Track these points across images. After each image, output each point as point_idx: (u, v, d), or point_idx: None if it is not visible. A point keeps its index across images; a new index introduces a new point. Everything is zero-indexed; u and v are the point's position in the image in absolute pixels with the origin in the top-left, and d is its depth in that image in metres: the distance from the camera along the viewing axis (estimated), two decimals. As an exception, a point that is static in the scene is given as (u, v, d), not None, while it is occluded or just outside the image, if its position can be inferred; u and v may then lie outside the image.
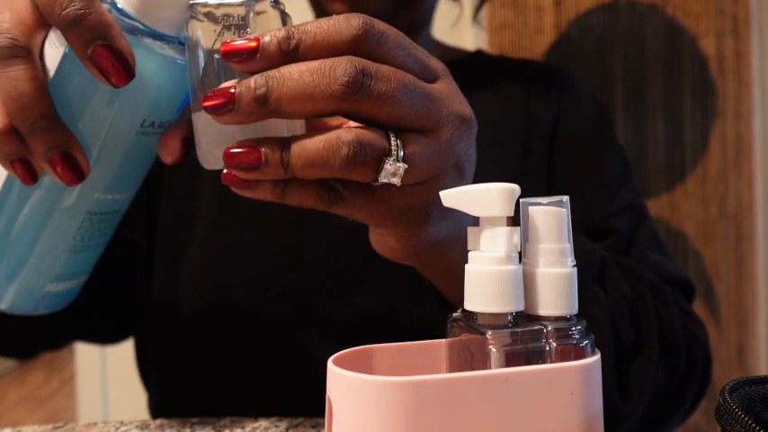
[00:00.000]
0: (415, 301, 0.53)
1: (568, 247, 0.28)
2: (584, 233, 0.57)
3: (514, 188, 0.27)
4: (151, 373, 0.63)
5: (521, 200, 0.28)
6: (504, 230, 0.27)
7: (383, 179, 0.31)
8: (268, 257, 0.57)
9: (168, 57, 0.34)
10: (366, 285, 0.55)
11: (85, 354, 1.54)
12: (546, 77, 0.66)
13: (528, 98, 0.63)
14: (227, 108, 0.30)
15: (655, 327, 0.50)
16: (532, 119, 0.62)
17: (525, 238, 0.28)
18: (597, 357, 0.27)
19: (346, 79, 0.29)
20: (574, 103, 0.64)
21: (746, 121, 1.32)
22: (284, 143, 0.31)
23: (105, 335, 0.66)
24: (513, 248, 0.27)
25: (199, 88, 0.33)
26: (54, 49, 0.33)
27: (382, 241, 0.38)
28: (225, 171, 0.32)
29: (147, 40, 0.34)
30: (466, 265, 0.27)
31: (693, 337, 0.53)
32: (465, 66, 0.66)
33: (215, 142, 0.33)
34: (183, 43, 0.35)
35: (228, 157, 0.31)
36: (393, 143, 0.31)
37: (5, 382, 2.88)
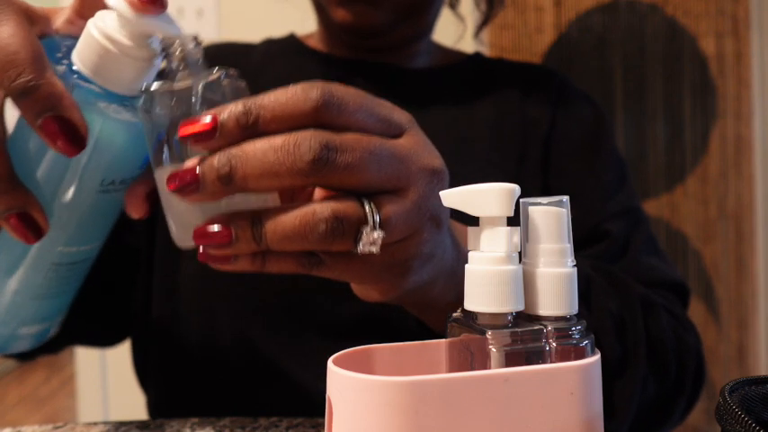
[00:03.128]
0: None
1: (568, 247, 0.28)
2: (579, 236, 0.57)
3: (514, 188, 0.27)
4: (150, 374, 0.63)
5: (521, 200, 0.28)
6: (504, 230, 0.27)
7: (362, 249, 0.31)
8: None
9: (126, 121, 0.34)
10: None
11: (85, 354, 1.54)
12: (543, 81, 0.66)
13: (525, 101, 0.63)
14: (191, 188, 0.30)
15: (642, 341, 0.50)
16: (529, 122, 0.62)
17: (525, 238, 0.28)
18: (597, 357, 0.27)
19: (311, 156, 0.29)
20: (570, 107, 0.64)
21: (746, 121, 1.32)
22: (255, 217, 0.30)
23: (104, 339, 0.66)
24: (513, 248, 0.27)
25: (160, 170, 0.33)
26: (12, 109, 0.33)
27: (365, 292, 0.38)
28: (200, 250, 0.31)
29: (104, 104, 0.33)
30: (466, 266, 0.27)
31: (684, 346, 0.53)
32: (463, 69, 0.66)
33: (185, 221, 0.32)
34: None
35: (199, 236, 0.31)
36: (368, 211, 0.31)
37: (5, 382, 2.88)
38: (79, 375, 1.57)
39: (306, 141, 0.29)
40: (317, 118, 0.30)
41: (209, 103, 0.31)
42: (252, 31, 0.81)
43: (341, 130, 0.31)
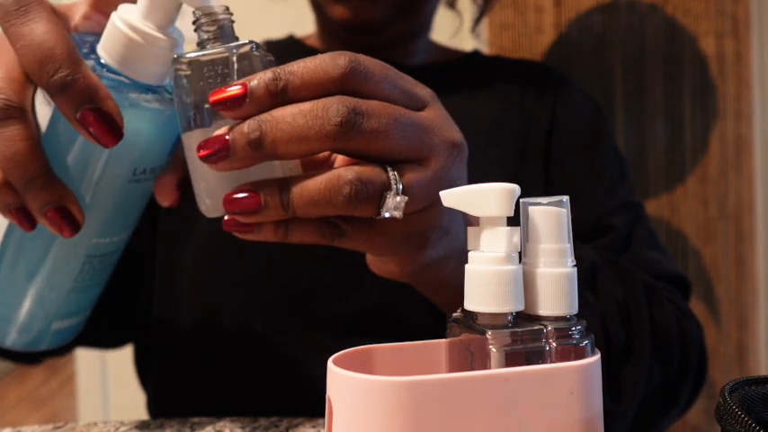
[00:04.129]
0: (413, 294, 0.53)
1: (568, 246, 0.28)
2: (582, 231, 0.57)
3: (514, 188, 0.27)
4: (151, 373, 0.63)
5: (521, 200, 0.28)
6: (504, 230, 0.27)
7: (386, 213, 0.31)
8: (266, 256, 0.57)
9: (155, 109, 0.35)
10: (364, 281, 0.55)
11: (85, 354, 1.54)
12: (541, 77, 0.66)
13: (524, 97, 0.64)
14: (221, 155, 0.30)
15: (647, 328, 0.50)
16: (529, 118, 0.63)
17: (525, 238, 0.28)
18: (597, 357, 0.27)
19: (339, 119, 0.29)
20: (569, 103, 0.65)
21: (746, 121, 1.32)
22: (282, 184, 0.31)
23: (108, 342, 0.66)
24: (513, 248, 0.27)
25: (190, 139, 0.33)
26: (44, 105, 0.34)
27: (382, 266, 0.38)
28: (226, 218, 0.32)
29: (133, 95, 0.34)
30: (466, 266, 0.27)
31: (687, 335, 0.53)
32: (462, 66, 0.66)
33: (213, 190, 0.33)
34: (168, 91, 0.35)
35: (228, 203, 0.31)
36: (392, 177, 0.31)
37: (5, 382, 2.88)
38: (79, 375, 1.57)
39: (334, 105, 0.30)
40: (344, 85, 0.31)
41: (240, 72, 0.32)
42: (251, 32, 0.81)
43: (367, 97, 0.31)
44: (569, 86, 0.66)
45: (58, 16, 0.34)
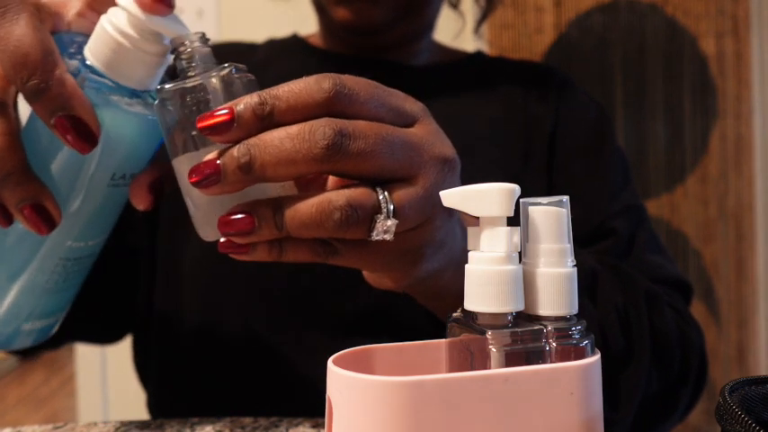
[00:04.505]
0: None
1: (568, 247, 0.28)
2: (584, 234, 0.57)
3: (514, 188, 0.27)
4: (151, 372, 0.63)
5: (521, 200, 0.28)
6: (504, 230, 0.27)
7: (376, 237, 0.31)
8: None
9: (137, 113, 0.35)
10: (364, 281, 0.55)
11: (85, 354, 1.54)
12: (544, 79, 0.66)
13: (527, 99, 0.64)
14: (212, 180, 0.30)
15: (647, 335, 0.50)
16: (531, 119, 0.62)
17: (525, 238, 0.28)
18: (597, 357, 0.27)
19: (326, 143, 0.30)
20: (573, 105, 0.64)
21: (746, 121, 1.32)
22: (276, 205, 0.31)
23: (105, 337, 0.66)
24: (513, 248, 0.27)
25: (181, 164, 0.33)
26: (25, 102, 0.34)
27: (378, 280, 0.38)
28: (222, 240, 0.32)
29: (115, 98, 0.34)
30: (466, 266, 0.27)
31: (688, 341, 0.53)
32: (465, 67, 0.66)
33: (208, 215, 0.33)
34: (153, 97, 0.35)
35: (223, 225, 0.31)
36: (382, 200, 0.31)
37: (5, 382, 2.88)
38: (79, 375, 1.57)
39: (320, 128, 0.30)
40: (330, 107, 0.31)
41: (223, 96, 0.32)
42: (252, 31, 0.81)
43: (353, 119, 0.31)
44: (573, 88, 0.66)
45: (44, 14, 0.34)
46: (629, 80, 1.31)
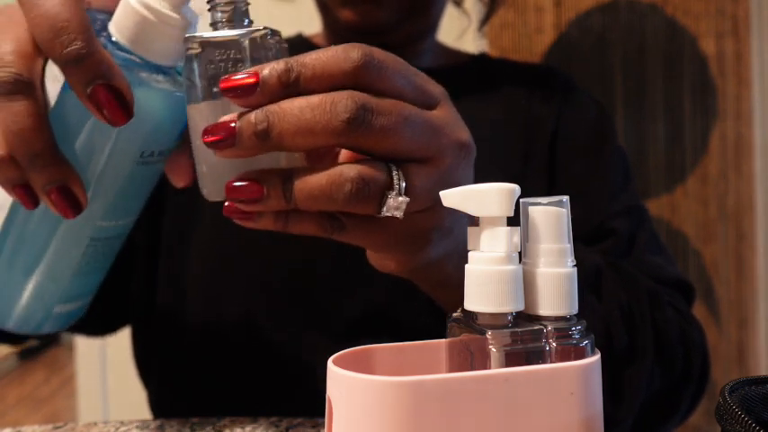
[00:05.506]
0: (414, 294, 0.53)
1: (568, 247, 0.28)
2: (585, 234, 0.57)
3: (514, 188, 0.27)
4: (153, 371, 0.63)
5: (521, 200, 0.28)
6: (504, 230, 0.27)
7: (386, 213, 0.31)
8: (269, 255, 0.57)
9: (164, 90, 0.35)
10: (366, 281, 0.55)
11: (85, 354, 1.54)
12: (547, 80, 0.66)
13: (529, 100, 0.64)
14: (227, 143, 0.30)
15: (650, 333, 0.50)
16: (534, 121, 0.63)
17: (525, 238, 0.28)
18: (597, 357, 0.27)
19: (347, 116, 0.29)
20: (575, 106, 0.65)
21: (746, 121, 1.32)
22: (286, 175, 0.31)
23: (93, 329, 0.66)
24: (513, 248, 0.27)
25: (196, 111, 0.33)
26: (53, 82, 0.33)
27: (381, 262, 0.38)
28: (227, 204, 0.32)
29: (144, 74, 0.34)
30: (466, 266, 0.27)
31: (690, 340, 0.53)
32: (468, 69, 0.67)
33: (216, 174, 0.33)
34: (179, 73, 0.35)
35: (230, 190, 0.31)
36: (395, 176, 0.31)
37: (5, 382, 2.88)
38: (79, 375, 1.57)
39: (343, 101, 0.29)
40: (357, 78, 0.30)
41: (252, 59, 0.31)
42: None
43: (378, 93, 0.31)
44: (575, 90, 0.66)
45: None
46: (629, 80, 1.31)
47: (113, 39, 0.34)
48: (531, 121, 0.63)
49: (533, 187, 0.60)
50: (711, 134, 1.32)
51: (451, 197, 0.28)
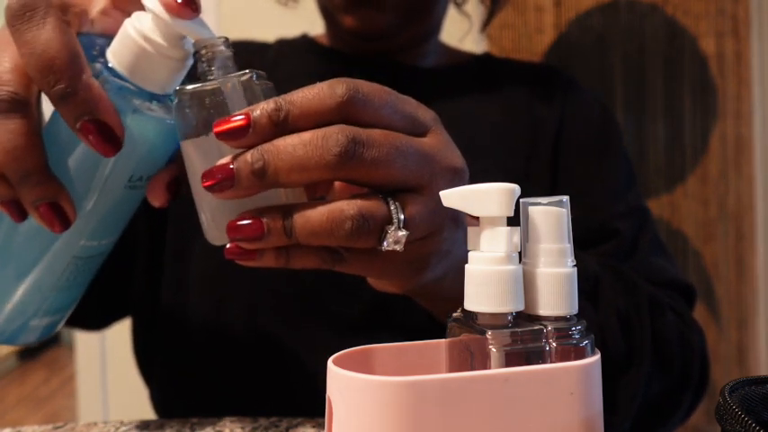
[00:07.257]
0: None
1: (568, 247, 0.28)
2: (587, 235, 0.57)
3: (514, 188, 0.27)
4: (155, 369, 0.63)
5: (521, 200, 0.28)
6: (504, 230, 0.27)
7: (387, 247, 0.31)
8: None
9: (157, 117, 0.35)
10: (365, 281, 0.55)
11: (85, 354, 1.54)
12: (550, 80, 0.66)
13: (532, 100, 0.64)
14: (226, 184, 0.31)
15: (648, 339, 0.50)
16: (537, 121, 0.63)
17: (525, 238, 0.28)
18: (597, 357, 0.27)
19: (338, 150, 0.30)
20: (578, 106, 0.65)
21: (746, 121, 1.32)
22: (285, 211, 0.31)
23: (90, 324, 0.66)
24: (513, 248, 0.27)
25: (189, 147, 0.33)
26: (48, 101, 0.34)
27: (381, 284, 0.39)
28: (228, 246, 0.32)
29: (137, 102, 0.34)
30: (466, 266, 0.27)
31: (690, 345, 0.53)
32: (472, 68, 0.67)
33: (218, 219, 0.34)
34: (172, 100, 0.36)
35: (232, 230, 0.32)
36: (393, 210, 0.31)
37: (5, 383, 2.88)
38: (79, 375, 1.57)
39: (333, 135, 0.30)
40: (344, 113, 0.31)
41: (240, 102, 0.32)
42: (252, 32, 0.81)
43: (367, 125, 0.31)
44: (578, 90, 0.66)
45: (70, 15, 0.34)
46: (629, 80, 1.31)
47: (110, 65, 0.34)
48: (534, 121, 0.63)
49: (536, 187, 0.60)
50: (711, 134, 1.32)
51: (452, 197, 0.28)
